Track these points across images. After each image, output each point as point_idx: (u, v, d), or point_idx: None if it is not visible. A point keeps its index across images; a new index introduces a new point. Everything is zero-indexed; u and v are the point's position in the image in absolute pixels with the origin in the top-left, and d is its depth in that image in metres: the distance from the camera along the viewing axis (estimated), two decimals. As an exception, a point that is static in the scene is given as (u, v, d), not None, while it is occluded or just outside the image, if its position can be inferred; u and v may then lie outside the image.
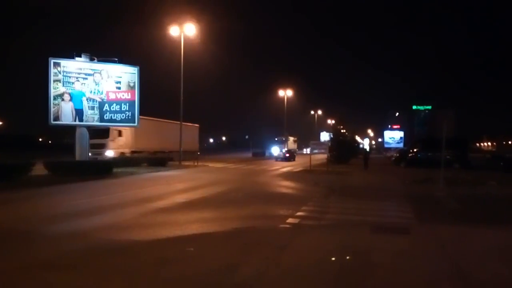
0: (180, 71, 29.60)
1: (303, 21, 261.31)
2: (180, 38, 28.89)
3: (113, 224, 7.96)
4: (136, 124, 20.91)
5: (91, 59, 19.85)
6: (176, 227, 7.69)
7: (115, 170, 19.71)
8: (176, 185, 15.58)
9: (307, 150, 50.69)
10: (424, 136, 61.25)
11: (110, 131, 26.70)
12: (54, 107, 18.61)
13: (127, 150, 28.41)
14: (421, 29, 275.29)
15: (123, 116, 20.20)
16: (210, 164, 30.01)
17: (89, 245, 6.02)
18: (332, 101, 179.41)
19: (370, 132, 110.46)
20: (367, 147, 66.98)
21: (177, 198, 11.82)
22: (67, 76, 18.89)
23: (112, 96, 19.94)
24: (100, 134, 25.44)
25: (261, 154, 55.01)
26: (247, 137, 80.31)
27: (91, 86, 19.42)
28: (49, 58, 18.62)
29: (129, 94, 20.33)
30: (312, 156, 27.36)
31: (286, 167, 30.13)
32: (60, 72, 18.72)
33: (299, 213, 9.29)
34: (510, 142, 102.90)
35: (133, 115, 20.38)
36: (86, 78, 19.33)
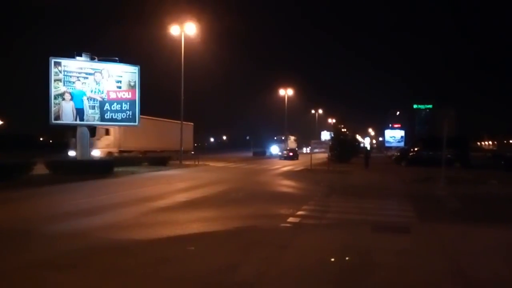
0: (180, 70, 29.62)
1: (304, 20, 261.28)
2: (181, 37, 28.88)
3: (114, 223, 7.95)
4: (136, 123, 20.92)
5: (92, 59, 19.86)
6: (177, 226, 7.68)
7: (115, 169, 19.72)
8: (177, 184, 15.57)
9: (307, 150, 50.72)
10: (425, 135, 61.25)
11: (97, 130, 24.69)
12: (54, 107, 18.62)
13: (115, 150, 26.77)
14: (422, 28, 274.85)
15: (123, 115, 20.21)
16: (211, 163, 30.00)
17: (89, 245, 6.01)
18: (333, 100, 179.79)
19: (371, 131, 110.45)
20: (368, 146, 66.96)
21: (178, 197, 11.81)
22: (68, 76, 18.90)
23: (112, 96, 19.95)
24: None
25: (261, 154, 55.08)
26: (248, 137, 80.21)
27: (91, 85, 19.42)
28: (50, 58, 18.63)
29: (130, 93, 20.33)
30: (313, 155, 27.36)
31: (287, 166, 30.12)
32: (60, 72, 18.73)
33: (300, 212, 9.28)
34: (511, 141, 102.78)
35: (133, 114, 20.39)
36: (87, 78, 19.33)
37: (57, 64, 18.69)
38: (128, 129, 25.54)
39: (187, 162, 28.71)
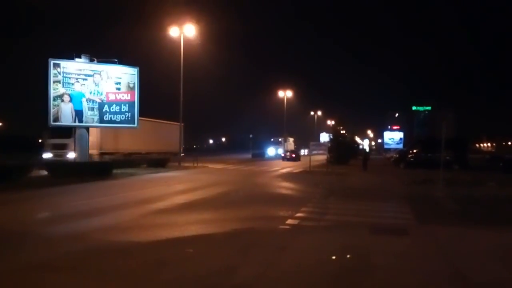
0: (180, 72, 29.66)
1: (303, 22, 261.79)
2: (180, 39, 28.92)
3: (113, 225, 7.96)
4: (136, 125, 20.93)
5: (91, 60, 19.88)
6: (176, 228, 7.69)
7: (114, 171, 19.73)
8: (175, 186, 15.58)
9: (304, 151, 50.94)
10: (423, 137, 61.31)
11: (73, 130, 22.45)
12: (54, 108, 18.62)
13: (95, 152, 24.34)
14: (421, 30, 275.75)
15: (122, 117, 20.23)
16: (210, 165, 30.02)
17: (88, 247, 6.02)
18: (331, 102, 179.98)
19: (369, 133, 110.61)
20: (366, 148, 67.06)
21: (177, 199, 11.82)
22: (67, 77, 18.91)
23: (111, 97, 19.97)
24: (62, 133, 22.81)
25: (260, 155, 55.19)
26: (251, 136, 79.98)
27: (90, 87, 19.44)
28: (49, 59, 18.65)
29: (129, 95, 20.35)
30: (312, 157, 27.39)
31: (285, 168, 30.14)
32: (60, 73, 18.75)
33: (298, 214, 9.30)
34: (509, 143, 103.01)
35: (132, 116, 20.41)
36: (86, 79, 19.35)
37: (56, 65, 18.70)
38: (110, 130, 23.73)
39: (186, 164, 28.74)
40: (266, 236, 7.07)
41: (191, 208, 10.19)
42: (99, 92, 19.60)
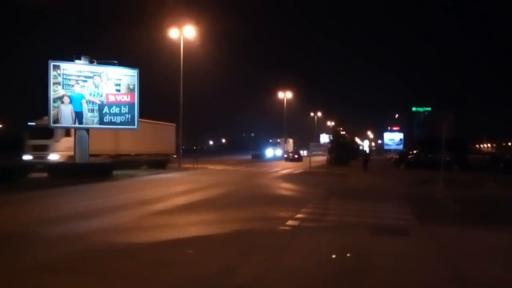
0: (179, 73, 29.66)
1: (304, 22, 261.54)
2: (180, 40, 28.94)
3: (113, 226, 7.95)
4: (136, 126, 20.89)
5: (91, 62, 19.87)
6: (176, 229, 7.69)
7: (114, 172, 19.73)
8: (175, 187, 15.57)
9: (304, 152, 51.05)
10: (423, 138, 61.31)
11: (55, 130, 21.56)
12: (53, 110, 18.60)
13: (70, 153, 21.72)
14: (421, 31, 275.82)
15: (122, 118, 20.21)
16: (210, 166, 30.02)
17: (88, 248, 6.02)
18: (331, 103, 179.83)
19: (370, 134, 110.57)
20: (367, 149, 67.04)
21: (177, 201, 11.82)
22: (67, 79, 18.90)
23: (111, 99, 19.95)
24: (43, 133, 21.46)
25: (260, 156, 55.24)
26: (252, 134, 79.92)
27: (90, 88, 19.43)
28: (49, 61, 18.64)
29: (129, 96, 20.34)
30: (312, 158, 27.40)
31: (286, 169, 30.14)
32: (59, 75, 18.73)
33: (299, 215, 9.30)
34: (509, 144, 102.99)
35: (132, 117, 20.39)
36: (86, 81, 19.34)
37: (56, 67, 18.69)
38: (95, 130, 21.21)
39: (186, 165, 28.75)
40: (267, 237, 7.07)
41: (191, 209, 10.18)
42: (99, 94, 19.59)
